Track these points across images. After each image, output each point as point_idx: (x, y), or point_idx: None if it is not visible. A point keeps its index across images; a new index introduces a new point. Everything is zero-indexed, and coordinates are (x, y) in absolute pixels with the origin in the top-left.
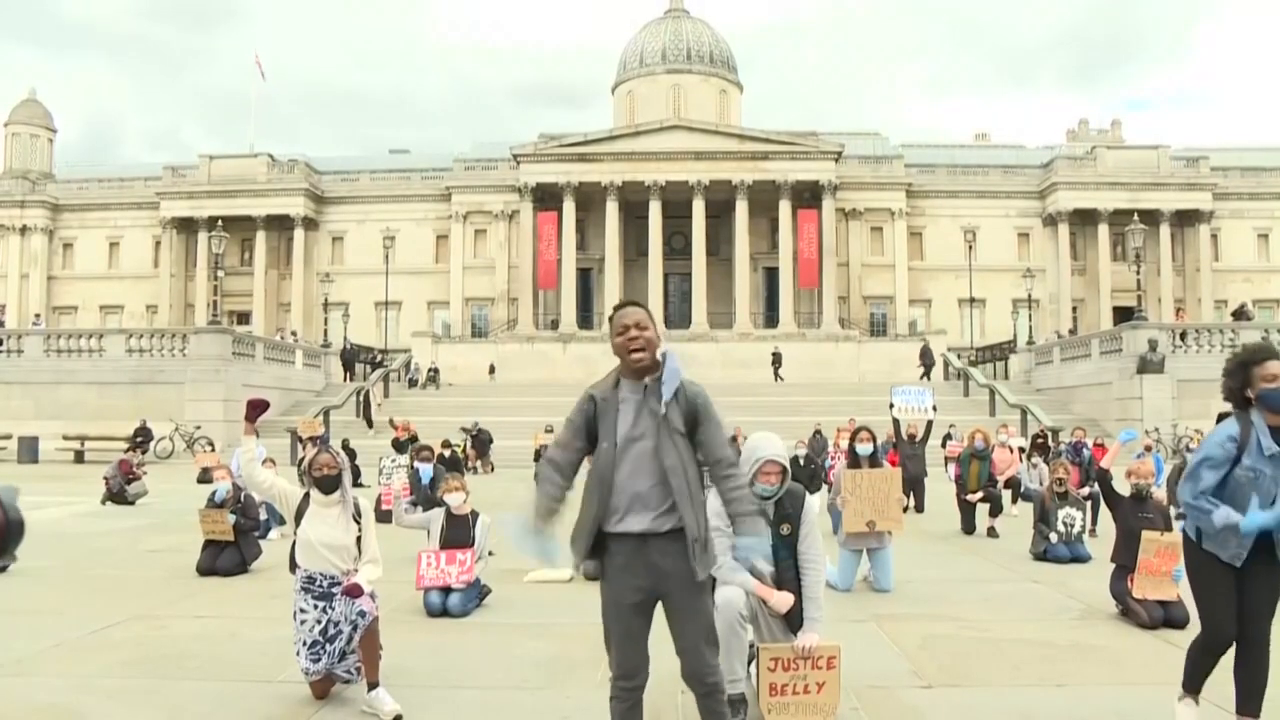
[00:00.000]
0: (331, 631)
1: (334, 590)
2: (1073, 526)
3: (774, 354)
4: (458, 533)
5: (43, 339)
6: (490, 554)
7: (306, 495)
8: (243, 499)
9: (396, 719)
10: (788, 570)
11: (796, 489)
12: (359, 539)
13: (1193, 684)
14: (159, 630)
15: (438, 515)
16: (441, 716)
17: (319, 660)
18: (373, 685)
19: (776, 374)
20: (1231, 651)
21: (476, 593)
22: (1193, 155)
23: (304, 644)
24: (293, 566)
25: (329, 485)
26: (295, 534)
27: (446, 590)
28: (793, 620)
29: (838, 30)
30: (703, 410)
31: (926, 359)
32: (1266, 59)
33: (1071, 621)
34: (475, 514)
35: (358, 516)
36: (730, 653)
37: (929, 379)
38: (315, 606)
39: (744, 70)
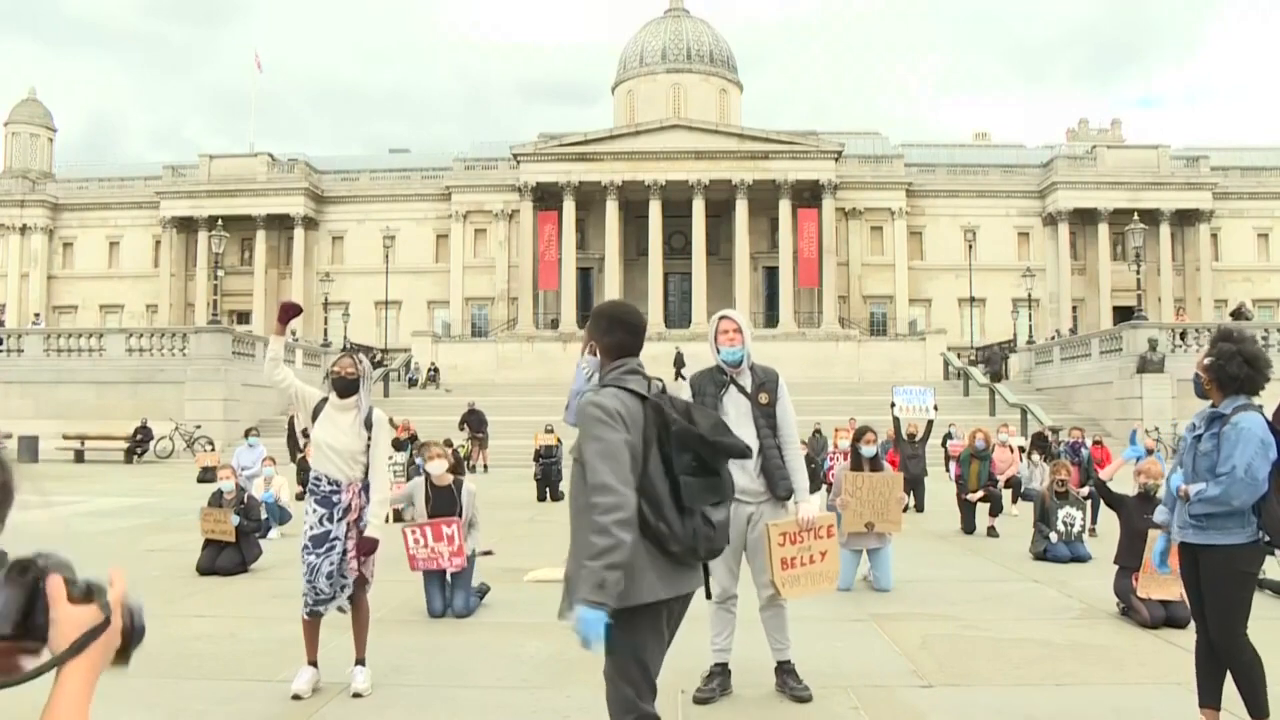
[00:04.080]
0: (324, 548)
1: (334, 497)
2: (1072, 526)
3: (677, 354)
4: (443, 504)
5: (42, 338)
6: (489, 552)
7: (324, 399)
8: (245, 500)
9: (355, 695)
10: (768, 440)
11: (768, 365)
12: (369, 448)
13: (1206, 697)
14: (159, 630)
15: (419, 485)
16: (441, 716)
17: (310, 585)
18: (359, 662)
19: (678, 375)
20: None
21: (476, 590)
22: (1193, 155)
23: (308, 572)
24: (293, 454)
25: (346, 387)
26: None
27: (444, 582)
28: (777, 489)
29: (843, 29)
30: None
31: (998, 357)
32: (1272, 58)
33: (1072, 621)
34: (459, 482)
35: (369, 425)
36: (721, 631)
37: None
38: (313, 510)
39: (747, 69)
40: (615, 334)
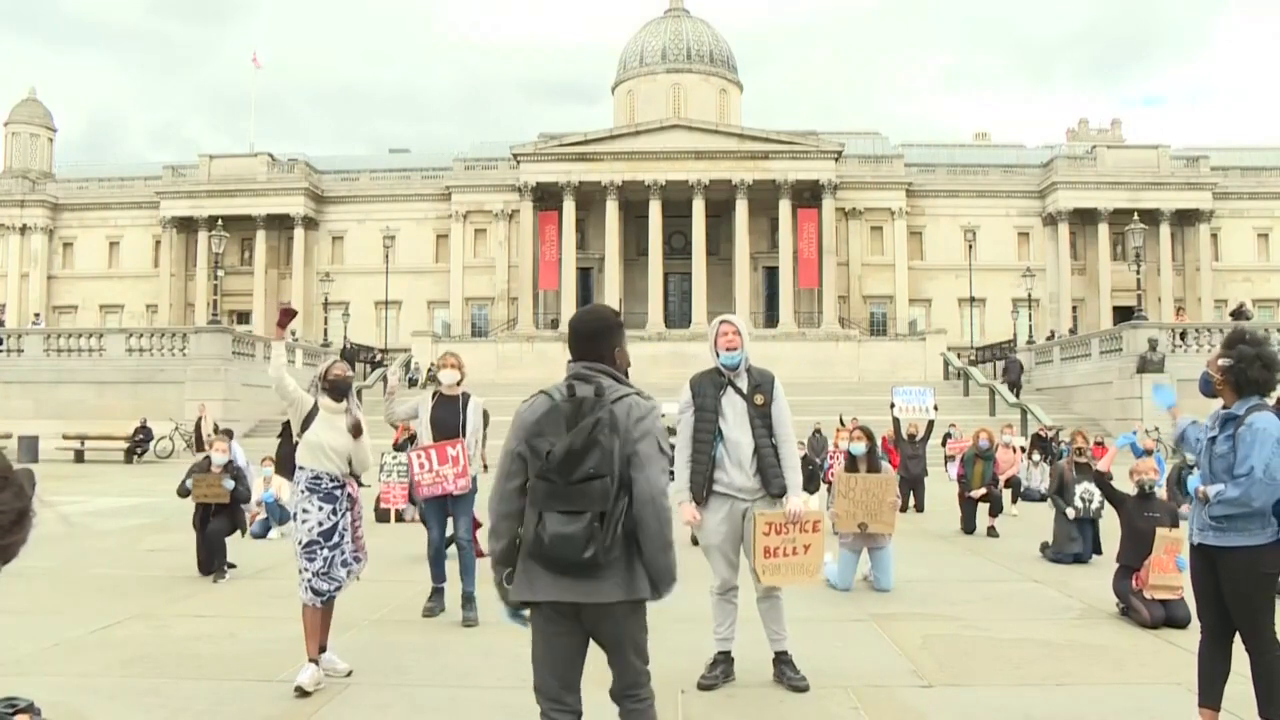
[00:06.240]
0: (335, 539)
1: (337, 492)
2: (1090, 501)
3: None
4: (446, 413)
5: (42, 338)
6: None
7: (315, 404)
8: (235, 468)
9: (349, 674)
10: (764, 439)
11: (764, 367)
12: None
13: (1205, 697)
14: (159, 630)
15: (425, 398)
16: (442, 716)
17: (326, 576)
18: (322, 649)
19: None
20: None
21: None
22: (1193, 155)
23: (309, 572)
24: (291, 470)
25: (341, 391)
26: (299, 438)
27: (445, 515)
28: (771, 486)
29: (843, 28)
30: None
31: (1016, 365)
32: (1276, 58)
33: (1072, 621)
34: (467, 395)
35: (357, 432)
36: (724, 621)
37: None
38: (319, 508)
39: (747, 69)
40: (569, 340)
